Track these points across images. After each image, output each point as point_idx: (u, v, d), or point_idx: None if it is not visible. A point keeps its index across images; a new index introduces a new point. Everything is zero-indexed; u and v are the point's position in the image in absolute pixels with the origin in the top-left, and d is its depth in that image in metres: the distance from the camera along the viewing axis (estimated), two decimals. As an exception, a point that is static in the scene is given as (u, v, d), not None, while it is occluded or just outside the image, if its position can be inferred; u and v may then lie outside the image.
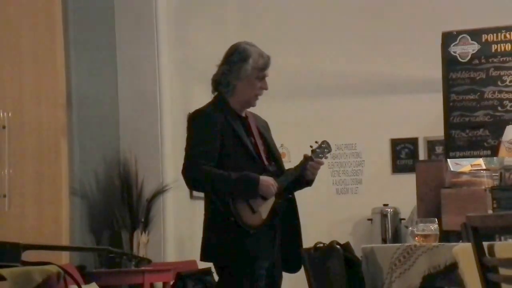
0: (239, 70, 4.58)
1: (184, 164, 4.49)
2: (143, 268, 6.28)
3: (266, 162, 4.60)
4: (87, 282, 5.78)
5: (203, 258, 4.54)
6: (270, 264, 4.49)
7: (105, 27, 7.13)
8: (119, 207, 6.75)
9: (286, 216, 4.61)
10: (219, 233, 4.44)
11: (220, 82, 4.61)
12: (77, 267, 6.09)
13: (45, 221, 5.93)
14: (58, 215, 6.09)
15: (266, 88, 4.67)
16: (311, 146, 4.74)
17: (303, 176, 4.66)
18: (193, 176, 4.44)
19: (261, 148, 4.64)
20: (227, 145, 4.49)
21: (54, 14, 6.14)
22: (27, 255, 3.41)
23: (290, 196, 4.65)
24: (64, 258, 6.03)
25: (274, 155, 4.71)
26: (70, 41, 6.93)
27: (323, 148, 4.75)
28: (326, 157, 4.76)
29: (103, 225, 6.81)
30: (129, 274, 6.41)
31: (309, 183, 4.73)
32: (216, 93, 4.67)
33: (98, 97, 7.07)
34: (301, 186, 4.74)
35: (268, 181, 4.46)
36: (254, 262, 4.40)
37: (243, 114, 4.68)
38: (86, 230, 6.83)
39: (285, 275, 4.61)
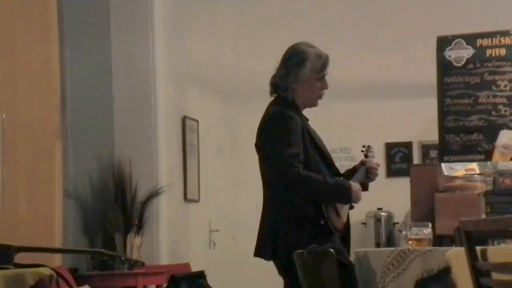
0: (297, 74, 4.51)
1: (277, 165, 4.33)
2: (136, 270, 6.27)
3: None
4: (79, 284, 5.76)
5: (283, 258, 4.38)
6: None
7: (100, 30, 7.11)
8: (113, 209, 6.74)
9: None
10: (306, 235, 4.32)
11: (279, 86, 4.53)
12: (70, 270, 6.07)
13: (38, 223, 5.92)
14: (52, 217, 6.08)
15: (326, 88, 4.60)
16: (362, 150, 4.77)
17: (365, 181, 4.69)
18: (290, 178, 4.30)
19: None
20: (308, 149, 4.42)
21: (49, 16, 6.14)
22: (20, 257, 3.41)
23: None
24: (57, 260, 6.02)
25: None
26: (65, 43, 6.92)
27: (372, 152, 4.78)
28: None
29: (97, 228, 6.80)
30: (122, 276, 6.39)
31: (367, 187, 4.75)
32: (275, 95, 4.58)
33: (93, 99, 7.05)
34: None
35: (357, 187, 4.48)
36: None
37: None
38: (79, 232, 6.81)
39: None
